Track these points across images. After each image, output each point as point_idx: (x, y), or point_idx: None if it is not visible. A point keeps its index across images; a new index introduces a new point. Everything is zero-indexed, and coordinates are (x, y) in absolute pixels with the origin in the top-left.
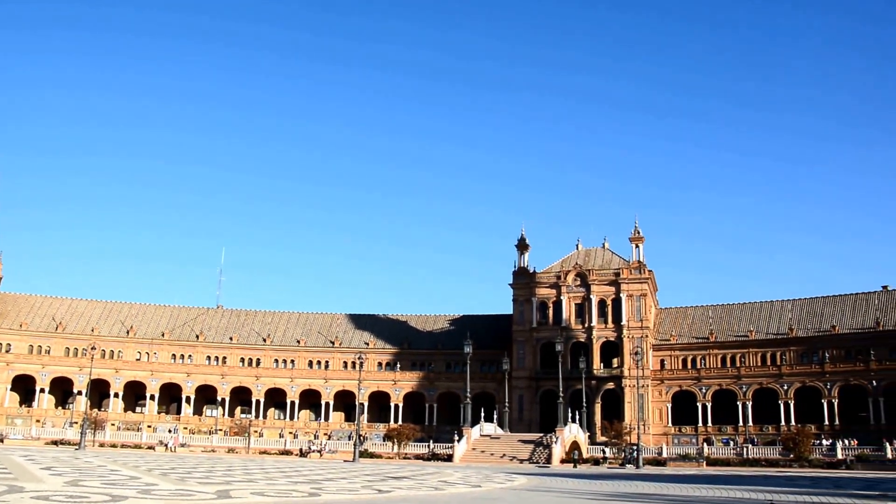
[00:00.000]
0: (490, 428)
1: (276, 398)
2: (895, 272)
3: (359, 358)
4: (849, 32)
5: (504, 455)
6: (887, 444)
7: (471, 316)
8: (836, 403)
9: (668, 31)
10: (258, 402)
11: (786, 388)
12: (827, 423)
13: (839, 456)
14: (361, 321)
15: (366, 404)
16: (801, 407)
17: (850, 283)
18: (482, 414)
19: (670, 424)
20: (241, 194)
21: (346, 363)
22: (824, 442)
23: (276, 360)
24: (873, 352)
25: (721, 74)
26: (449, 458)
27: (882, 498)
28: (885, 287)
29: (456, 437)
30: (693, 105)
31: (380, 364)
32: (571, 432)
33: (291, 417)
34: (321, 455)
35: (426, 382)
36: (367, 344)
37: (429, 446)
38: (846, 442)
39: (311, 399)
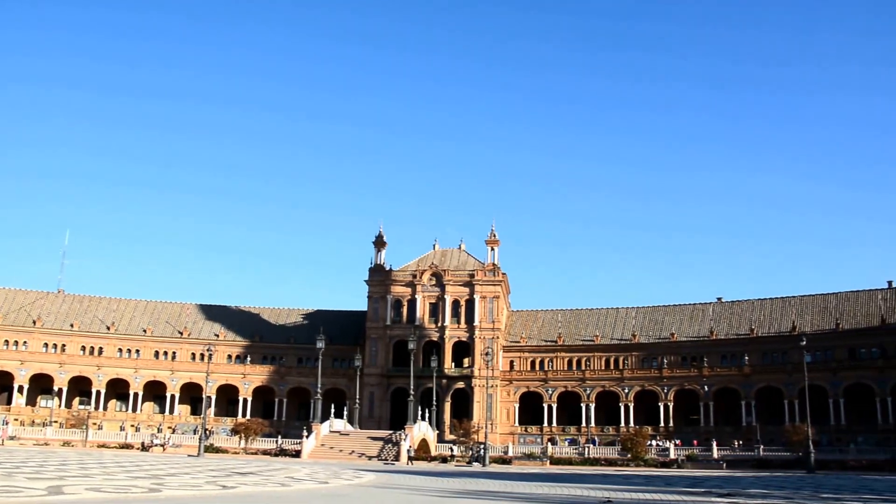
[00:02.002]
0: (340, 424)
1: (118, 389)
2: (728, 285)
3: (208, 350)
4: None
5: (353, 452)
6: (713, 444)
7: (325, 311)
8: (671, 406)
9: (539, 39)
10: (99, 392)
11: (626, 391)
12: (663, 424)
13: (672, 456)
14: (212, 312)
15: (213, 398)
16: (640, 409)
17: (689, 293)
18: (332, 410)
19: (517, 424)
20: (87, 174)
21: (194, 355)
22: (655, 443)
23: (120, 350)
24: (706, 358)
25: (584, 81)
26: (297, 454)
27: (707, 494)
28: (719, 299)
29: (305, 433)
30: (550, 112)
31: (229, 356)
32: (421, 430)
33: (134, 410)
34: (164, 449)
35: (277, 377)
36: (217, 335)
37: (277, 442)
38: (676, 442)
39: (156, 391)
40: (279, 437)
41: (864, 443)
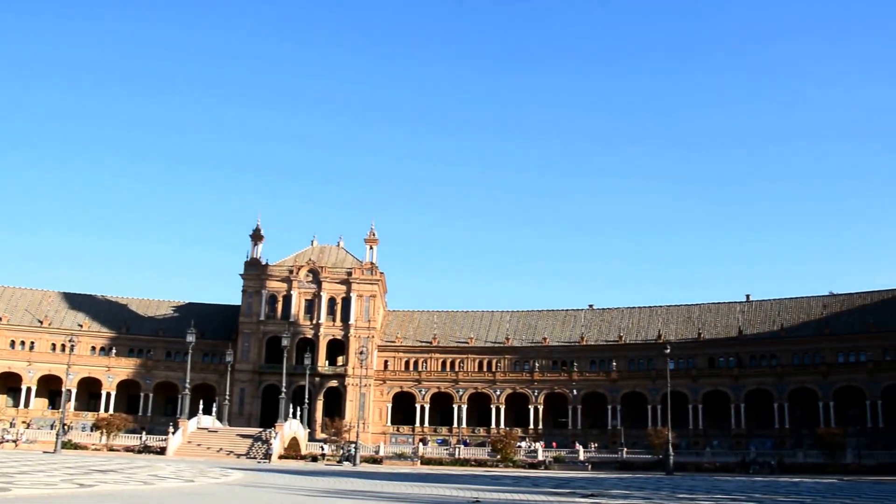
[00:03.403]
0: (208, 421)
1: None
2: (599, 292)
3: (70, 340)
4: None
5: (221, 449)
6: (580, 447)
7: (197, 304)
8: (541, 409)
9: (426, 38)
10: None
11: (498, 393)
12: (532, 426)
13: (540, 457)
14: (76, 301)
15: (74, 391)
16: (510, 411)
17: (561, 300)
18: (201, 406)
19: (389, 424)
20: None
21: (54, 345)
22: (524, 444)
23: None
24: (576, 363)
25: (467, 83)
26: (163, 451)
27: (571, 494)
28: (590, 306)
29: (171, 430)
30: (431, 115)
31: (93, 348)
32: (292, 428)
33: None
34: (17, 445)
35: (143, 370)
36: (81, 326)
37: (141, 438)
38: (543, 444)
39: (10, 383)
40: (144, 433)
41: (719, 446)
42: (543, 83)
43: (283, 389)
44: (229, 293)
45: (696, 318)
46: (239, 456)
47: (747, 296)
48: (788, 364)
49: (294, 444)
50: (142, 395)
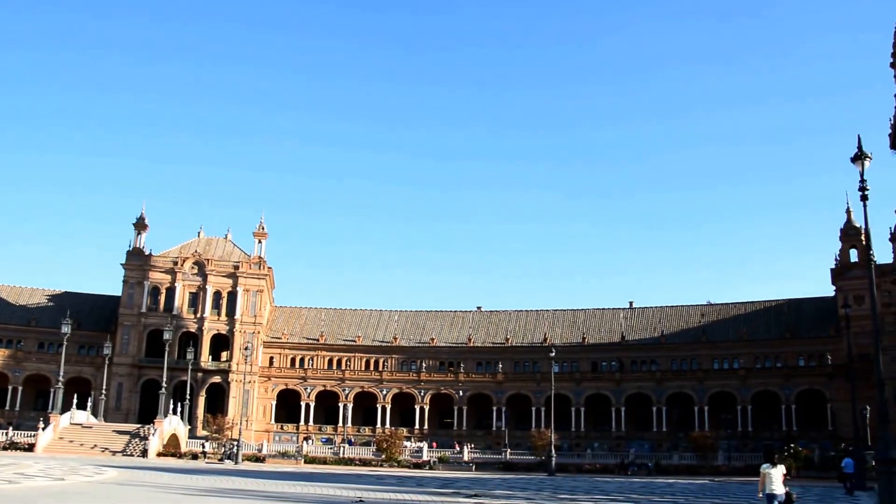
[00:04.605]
0: (83, 416)
1: None
2: (487, 295)
3: None
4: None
5: (96, 446)
6: (465, 447)
7: (74, 293)
8: (427, 409)
9: (323, 32)
10: None
11: (385, 392)
12: (418, 426)
13: (425, 457)
14: None
15: None
16: (396, 411)
17: (450, 301)
18: (76, 401)
19: (273, 422)
20: None
21: None
22: (408, 444)
23: None
24: (463, 364)
25: (360, 82)
26: (31, 447)
27: (455, 494)
28: (479, 308)
29: (42, 425)
30: (321, 107)
31: None
32: (171, 425)
33: None
34: None
35: (13, 362)
36: None
37: (7, 434)
38: (429, 444)
39: None
40: (10, 428)
41: (600, 448)
42: (436, 82)
43: (164, 384)
44: (109, 284)
45: (581, 323)
46: (115, 453)
47: (630, 303)
48: (667, 369)
49: (174, 441)
50: (10, 388)
